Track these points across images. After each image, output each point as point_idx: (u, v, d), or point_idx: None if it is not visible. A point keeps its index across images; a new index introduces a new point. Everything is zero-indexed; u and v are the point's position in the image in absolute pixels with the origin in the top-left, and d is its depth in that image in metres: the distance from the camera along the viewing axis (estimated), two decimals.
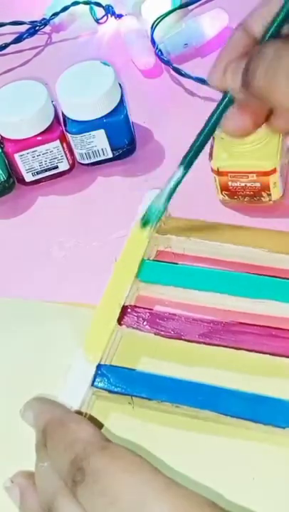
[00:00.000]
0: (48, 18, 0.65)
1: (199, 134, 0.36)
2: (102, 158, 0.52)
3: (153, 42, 0.60)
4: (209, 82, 0.35)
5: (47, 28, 0.66)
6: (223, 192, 0.47)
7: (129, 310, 0.42)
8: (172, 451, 0.37)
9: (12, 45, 0.64)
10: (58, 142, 0.50)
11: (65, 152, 0.51)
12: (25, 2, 0.68)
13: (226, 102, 0.34)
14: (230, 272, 0.43)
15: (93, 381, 0.38)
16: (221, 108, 0.35)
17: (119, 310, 0.41)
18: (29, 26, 0.64)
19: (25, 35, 0.64)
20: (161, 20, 0.61)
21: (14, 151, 0.50)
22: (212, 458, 0.37)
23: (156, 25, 0.61)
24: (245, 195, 0.46)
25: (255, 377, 0.39)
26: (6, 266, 0.49)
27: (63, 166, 0.52)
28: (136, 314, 0.41)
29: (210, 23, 0.60)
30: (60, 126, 0.50)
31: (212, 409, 0.37)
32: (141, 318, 0.41)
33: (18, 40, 0.64)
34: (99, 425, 0.37)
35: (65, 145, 0.51)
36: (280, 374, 0.39)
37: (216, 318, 0.41)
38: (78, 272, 0.47)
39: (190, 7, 0.64)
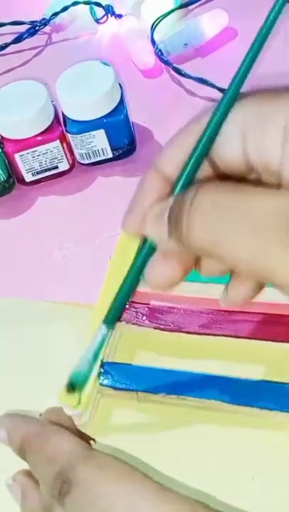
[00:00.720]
0: (48, 18, 0.65)
1: (119, 290, 0.32)
2: (102, 158, 0.52)
3: (153, 42, 0.60)
4: (125, 228, 0.32)
5: (47, 28, 0.66)
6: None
7: (127, 306, 0.41)
8: (177, 446, 0.37)
9: (12, 45, 0.64)
10: (58, 142, 0.50)
11: (65, 152, 0.51)
12: (25, 2, 0.68)
13: (147, 250, 0.30)
14: None
15: (98, 379, 0.39)
16: (141, 258, 0.30)
17: None
18: (29, 26, 0.64)
19: (25, 35, 0.64)
20: (161, 20, 0.61)
21: (14, 151, 0.50)
22: (216, 449, 0.37)
23: (156, 25, 0.61)
24: None
25: (258, 364, 0.39)
26: (5, 266, 0.49)
27: (63, 166, 0.52)
28: (134, 310, 0.42)
29: (210, 23, 0.60)
30: (60, 126, 0.50)
31: (218, 398, 0.37)
32: (140, 314, 0.42)
33: (18, 40, 0.64)
34: (79, 433, 0.36)
35: (65, 145, 0.51)
36: (283, 360, 0.39)
37: (216, 308, 0.41)
38: (78, 272, 0.47)
39: (190, 7, 0.64)
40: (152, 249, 0.30)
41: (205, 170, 0.29)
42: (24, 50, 0.65)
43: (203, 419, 0.38)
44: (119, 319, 0.32)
